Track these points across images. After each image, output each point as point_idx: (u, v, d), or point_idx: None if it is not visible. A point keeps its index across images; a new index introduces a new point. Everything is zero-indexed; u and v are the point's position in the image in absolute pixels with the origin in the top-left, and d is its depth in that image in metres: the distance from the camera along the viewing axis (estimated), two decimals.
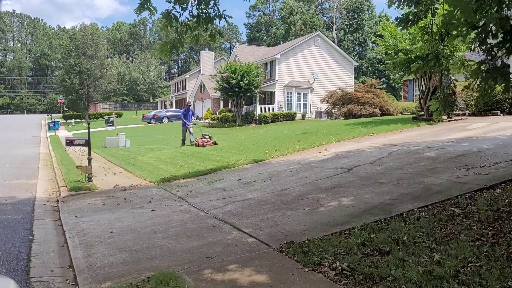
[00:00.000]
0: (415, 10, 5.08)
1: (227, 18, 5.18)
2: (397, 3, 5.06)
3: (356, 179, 7.13)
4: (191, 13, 5.02)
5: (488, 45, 4.18)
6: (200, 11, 5.00)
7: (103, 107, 67.13)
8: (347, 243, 4.21)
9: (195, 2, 4.95)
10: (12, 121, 47.56)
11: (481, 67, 4.34)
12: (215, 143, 15.71)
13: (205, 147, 15.06)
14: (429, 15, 5.03)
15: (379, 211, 5.18)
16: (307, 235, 4.65)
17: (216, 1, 5.04)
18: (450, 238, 4.04)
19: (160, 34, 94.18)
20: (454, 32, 4.20)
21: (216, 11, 5.07)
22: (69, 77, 49.38)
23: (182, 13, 4.95)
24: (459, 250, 3.68)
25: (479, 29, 3.98)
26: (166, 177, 9.64)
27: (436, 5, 5.09)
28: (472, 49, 4.47)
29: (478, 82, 4.38)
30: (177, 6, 4.86)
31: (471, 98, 17.15)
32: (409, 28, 5.51)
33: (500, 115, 15.21)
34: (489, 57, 4.25)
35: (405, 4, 4.96)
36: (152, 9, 4.85)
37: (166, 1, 4.82)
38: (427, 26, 5.07)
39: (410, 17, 5.15)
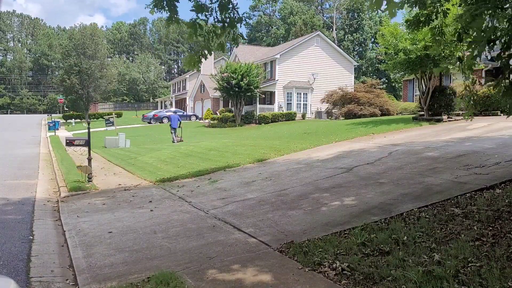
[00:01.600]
0: (425, 12, 5.05)
1: (246, 20, 5.26)
2: (404, 5, 5.05)
3: (356, 179, 7.13)
4: (216, 19, 5.08)
5: (504, 58, 4.19)
6: (225, 16, 5.03)
7: (103, 107, 67.13)
8: (347, 243, 4.21)
9: (218, 8, 4.98)
10: (12, 121, 47.56)
11: (501, 83, 4.38)
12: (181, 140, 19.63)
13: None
14: (440, 15, 4.99)
15: (379, 211, 5.18)
16: (307, 235, 4.65)
17: (235, 4, 5.12)
18: (450, 238, 4.04)
19: (160, 35, 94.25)
20: (469, 39, 4.22)
21: (235, 15, 5.12)
22: (69, 77, 49.36)
23: (208, 20, 4.99)
24: (459, 250, 3.68)
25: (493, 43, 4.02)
26: (166, 177, 9.64)
27: (447, 6, 5.05)
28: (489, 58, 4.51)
29: (501, 97, 4.43)
30: (200, 15, 4.90)
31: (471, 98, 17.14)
32: (420, 30, 5.48)
33: (500, 115, 15.20)
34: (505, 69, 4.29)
35: (411, 5, 4.93)
36: (180, 22, 4.88)
37: (191, 10, 4.86)
38: (437, 27, 5.02)
39: (421, 18, 5.13)
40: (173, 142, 20.14)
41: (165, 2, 4.71)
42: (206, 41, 5.12)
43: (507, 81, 4.41)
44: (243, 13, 5.26)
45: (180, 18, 4.92)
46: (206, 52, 5.22)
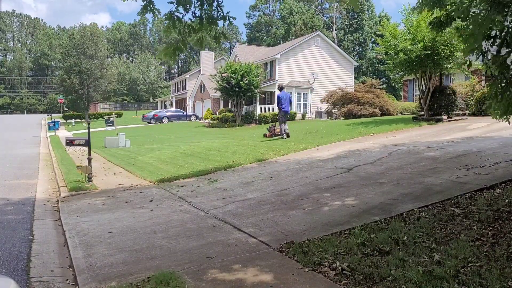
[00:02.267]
0: (446, 12, 5.03)
1: (231, 19, 5.13)
2: (418, 8, 5.02)
3: (356, 179, 7.13)
4: (194, 14, 4.96)
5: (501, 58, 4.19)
6: (203, 12, 4.95)
7: (103, 107, 67.14)
8: (347, 243, 4.21)
9: (198, 3, 4.89)
10: (12, 121, 47.57)
11: (498, 83, 4.35)
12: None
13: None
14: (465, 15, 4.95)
15: (379, 211, 5.18)
16: (307, 235, 4.65)
17: (220, 2, 4.99)
18: (450, 238, 4.04)
19: (160, 35, 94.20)
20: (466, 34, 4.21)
21: (220, 13, 5.02)
22: (69, 77, 49.38)
23: (185, 14, 4.91)
24: (459, 250, 3.68)
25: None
26: (166, 177, 9.64)
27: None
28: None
29: (499, 99, 4.39)
30: (180, 8, 4.82)
31: (471, 98, 17.16)
32: (443, 30, 5.45)
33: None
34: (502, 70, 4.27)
35: (427, 7, 4.89)
36: (155, 11, 4.81)
37: (169, 3, 4.79)
38: (462, 27, 4.96)
39: (442, 19, 5.11)
40: (283, 136, 14.62)
41: None
42: (182, 35, 5.05)
43: (503, 83, 4.40)
44: (227, 12, 5.07)
45: (158, 8, 4.82)
46: (181, 45, 5.14)
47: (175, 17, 4.81)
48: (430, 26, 5.44)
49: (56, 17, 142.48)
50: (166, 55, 5.31)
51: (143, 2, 4.76)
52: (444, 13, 5.06)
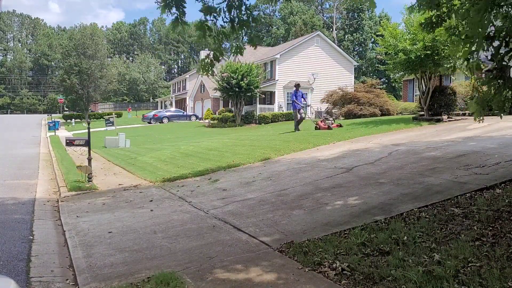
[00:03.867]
0: (438, 13, 5.01)
1: (262, 20, 5.16)
2: (417, 8, 5.00)
3: (356, 179, 7.13)
4: (224, 20, 4.94)
5: (499, 55, 4.18)
6: (233, 17, 4.91)
7: (103, 107, 67.15)
8: (347, 243, 4.21)
9: (226, 9, 4.82)
10: (12, 121, 47.56)
11: (495, 79, 4.35)
12: (340, 125, 16.16)
13: (331, 129, 15.41)
14: (452, 15, 4.94)
15: (379, 211, 5.18)
16: (307, 235, 4.65)
17: (248, 5, 4.96)
18: (450, 238, 4.04)
19: (160, 35, 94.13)
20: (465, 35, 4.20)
21: (250, 15, 4.97)
22: (69, 77, 49.37)
23: (216, 22, 4.86)
24: (459, 250, 3.68)
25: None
26: (166, 177, 9.64)
27: (456, 3, 5.00)
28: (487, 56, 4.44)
29: (493, 94, 4.39)
30: (209, 16, 4.75)
31: (471, 98, 17.14)
32: (434, 31, 5.44)
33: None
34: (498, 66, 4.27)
35: (425, 7, 4.88)
36: (186, 24, 4.73)
37: (200, 11, 4.73)
38: (453, 26, 4.97)
39: (434, 19, 5.10)
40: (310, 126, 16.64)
41: (173, 2, 4.56)
42: (216, 43, 4.99)
43: (500, 80, 4.40)
44: (258, 13, 5.08)
45: (186, 20, 4.79)
46: (217, 54, 5.07)
47: (206, 26, 4.76)
48: (422, 27, 5.43)
49: (71, 14, 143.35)
50: (204, 68, 5.18)
51: (172, 16, 4.67)
52: (436, 13, 5.05)
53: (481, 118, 4.84)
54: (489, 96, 4.53)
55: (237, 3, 4.89)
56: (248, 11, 4.97)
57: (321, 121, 16.44)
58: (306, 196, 6.45)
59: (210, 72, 5.37)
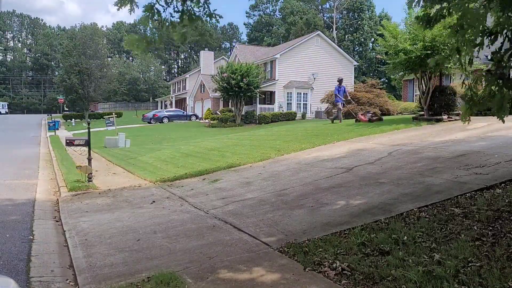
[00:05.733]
0: (437, 7, 4.92)
1: (217, 18, 4.89)
2: (417, 2, 4.91)
3: (356, 179, 7.13)
4: (175, 9, 4.65)
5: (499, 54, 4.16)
6: (185, 7, 4.66)
7: (103, 107, 67.15)
8: (347, 243, 4.21)
9: None
10: (12, 121, 47.55)
11: (496, 80, 4.32)
12: (381, 119, 16.80)
13: (372, 122, 16.16)
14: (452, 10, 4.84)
15: (379, 211, 5.18)
16: (307, 235, 4.65)
17: (206, 1, 4.81)
18: (450, 238, 4.04)
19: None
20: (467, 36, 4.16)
21: (206, 10, 4.74)
22: (69, 77, 49.38)
23: (166, 8, 4.57)
24: (459, 250, 3.68)
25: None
26: (166, 177, 9.64)
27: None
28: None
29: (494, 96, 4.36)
30: (162, 1, 4.52)
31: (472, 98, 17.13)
32: (432, 27, 5.37)
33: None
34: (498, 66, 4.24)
35: (428, 2, 4.78)
36: (133, 4, 4.41)
37: None
38: (456, 25, 4.86)
39: (432, 15, 5.03)
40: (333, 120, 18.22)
41: None
42: (158, 30, 4.70)
43: (500, 80, 4.39)
44: (214, 10, 4.68)
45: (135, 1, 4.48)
46: (158, 39, 4.76)
47: (155, 9, 4.50)
48: (418, 22, 5.35)
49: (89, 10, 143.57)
50: (133, 44, 4.72)
51: None
52: (436, 7, 4.96)
53: (468, 119, 4.82)
54: (487, 96, 4.51)
55: None
56: (206, 5, 4.72)
57: (361, 114, 17.68)
58: (306, 196, 6.45)
59: (140, 52, 4.96)
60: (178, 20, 4.65)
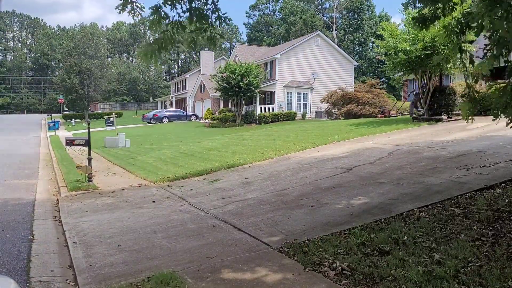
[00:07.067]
0: (432, 8, 4.91)
1: (227, 20, 4.72)
2: (413, 3, 4.89)
3: (356, 179, 7.13)
4: (183, 10, 4.43)
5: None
6: (194, 6, 4.44)
7: (103, 107, 67.13)
8: (347, 243, 4.21)
9: None
10: (12, 121, 47.53)
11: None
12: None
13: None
14: (449, 13, 4.83)
15: (379, 211, 5.18)
16: (307, 235, 4.65)
17: (215, 0, 4.56)
18: (450, 238, 4.04)
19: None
20: (475, 24, 4.12)
21: (215, 11, 4.56)
22: (69, 77, 49.35)
23: (172, 9, 4.34)
24: (459, 250, 3.68)
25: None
26: (166, 177, 9.64)
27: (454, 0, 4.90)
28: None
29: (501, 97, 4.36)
30: (168, 2, 4.30)
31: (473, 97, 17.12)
32: (427, 27, 5.35)
33: (500, 115, 15.19)
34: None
35: (421, 4, 4.77)
36: (137, 8, 4.23)
37: None
38: (450, 25, 4.84)
39: (427, 15, 5.02)
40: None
41: None
42: (167, 33, 4.46)
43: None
44: (224, 13, 4.56)
45: (141, 4, 4.34)
46: (168, 43, 4.51)
47: (162, 12, 4.29)
48: (414, 23, 5.34)
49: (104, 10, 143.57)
50: (146, 55, 4.55)
51: None
52: (431, 7, 4.93)
53: (471, 118, 4.81)
54: (495, 96, 4.51)
55: None
56: (214, 6, 4.53)
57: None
58: (306, 196, 6.45)
59: (153, 61, 4.73)
60: (187, 20, 4.46)
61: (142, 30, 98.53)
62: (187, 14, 4.45)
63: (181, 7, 4.39)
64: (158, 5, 4.29)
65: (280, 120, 29.50)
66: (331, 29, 66.57)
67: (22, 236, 5.56)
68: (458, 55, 4.58)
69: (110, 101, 73.79)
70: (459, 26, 4.59)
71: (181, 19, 4.45)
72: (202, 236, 5.09)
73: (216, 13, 4.56)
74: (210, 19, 4.52)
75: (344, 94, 25.65)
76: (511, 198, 4.99)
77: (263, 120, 29.19)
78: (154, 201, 7.37)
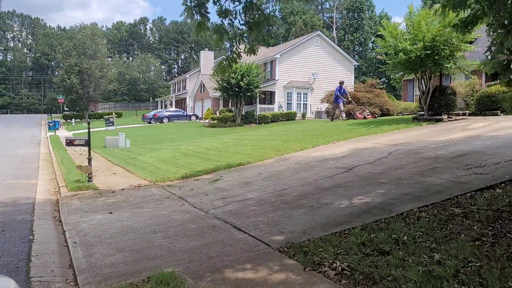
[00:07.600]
0: (472, 11, 4.93)
1: (275, 19, 5.25)
2: (446, 9, 4.91)
3: (357, 179, 7.13)
4: (241, 22, 5.05)
5: None
6: (249, 18, 5.02)
7: (103, 107, 67.13)
8: (347, 243, 4.21)
9: (242, 10, 4.95)
10: (12, 121, 47.54)
11: None
12: (375, 117, 19.30)
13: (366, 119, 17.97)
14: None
15: (379, 211, 5.18)
16: (307, 235, 4.65)
17: (259, 5, 5.09)
18: (450, 238, 4.04)
19: (160, 35, 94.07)
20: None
21: (263, 16, 5.09)
22: (69, 77, 49.35)
23: (232, 24, 4.97)
24: (459, 250, 3.68)
25: None
26: (166, 177, 9.64)
27: None
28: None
29: None
30: (224, 20, 4.86)
31: (471, 98, 17.15)
32: (471, 31, 5.33)
33: (500, 115, 15.19)
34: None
35: (455, 7, 4.79)
36: (208, 30, 4.83)
37: (216, 14, 4.86)
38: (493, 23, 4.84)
39: (467, 20, 5.04)
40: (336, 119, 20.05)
41: (197, 9, 4.68)
42: (233, 46, 5.10)
43: None
44: (270, 12, 5.14)
45: (208, 26, 4.90)
46: (235, 56, 5.20)
47: (223, 29, 4.86)
48: (455, 29, 5.32)
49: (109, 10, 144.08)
50: (222, 70, 5.33)
51: (195, 21, 4.81)
52: (471, 12, 4.95)
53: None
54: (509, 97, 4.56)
55: (251, 5, 4.99)
56: (260, 12, 5.06)
57: (359, 113, 20.02)
58: (306, 196, 6.45)
59: (227, 74, 5.68)
60: (246, 29, 5.00)
61: (142, 31, 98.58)
62: (246, 25, 5.04)
63: (238, 21, 4.99)
64: (218, 24, 4.83)
65: (280, 120, 29.50)
66: (331, 29, 66.58)
67: (22, 236, 5.56)
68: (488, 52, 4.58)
69: (110, 101, 73.79)
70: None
71: (240, 32, 5.03)
72: (202, 236, 5.09)
73: (263, 16, 5.05)
74: (264, 24, 5.03)
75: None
76: (511, 198, 4.99)
77: (263, 120, 29.19)
78: (154, 201, 7.37)
